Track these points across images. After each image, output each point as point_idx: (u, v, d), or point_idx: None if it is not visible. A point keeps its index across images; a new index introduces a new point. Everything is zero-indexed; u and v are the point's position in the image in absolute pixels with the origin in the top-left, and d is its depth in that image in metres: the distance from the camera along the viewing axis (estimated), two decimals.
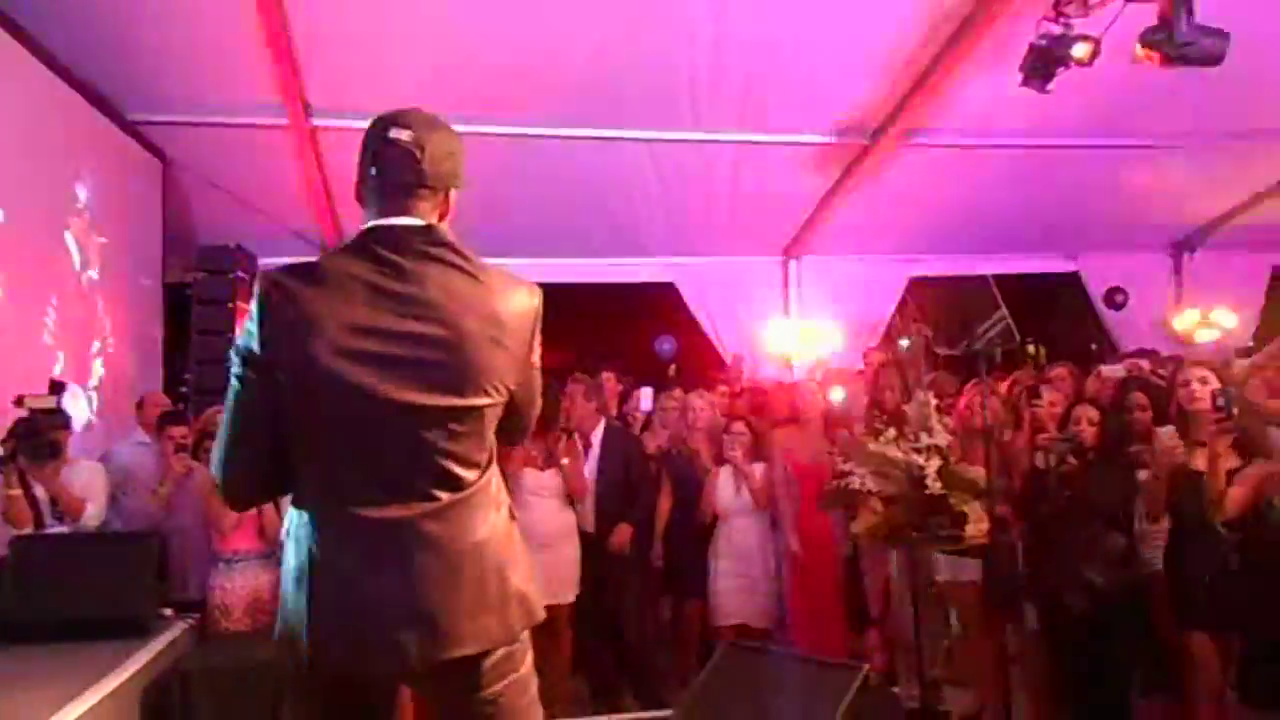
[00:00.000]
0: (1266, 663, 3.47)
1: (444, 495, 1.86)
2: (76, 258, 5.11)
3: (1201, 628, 3.77)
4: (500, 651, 1.92)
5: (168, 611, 3.65)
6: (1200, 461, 3.72)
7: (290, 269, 1.87)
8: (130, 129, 5.74)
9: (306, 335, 1.79)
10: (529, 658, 2.02)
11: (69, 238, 5.04)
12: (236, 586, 4.31)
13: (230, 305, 6.76)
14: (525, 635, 1.99)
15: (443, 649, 1.84)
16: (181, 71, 5.40)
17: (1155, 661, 4.08)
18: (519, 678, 1.98)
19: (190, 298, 6.75)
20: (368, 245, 1.89)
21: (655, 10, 5.23)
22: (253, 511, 4.34)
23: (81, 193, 5.15)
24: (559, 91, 5.82)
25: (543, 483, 4.93)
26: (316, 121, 5.78)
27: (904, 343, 8.00)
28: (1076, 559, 3.86)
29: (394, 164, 1.90)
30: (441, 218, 1.96)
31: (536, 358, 2.03)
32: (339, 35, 5.18)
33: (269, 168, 6.24)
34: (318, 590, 1.83)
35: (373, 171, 1.92)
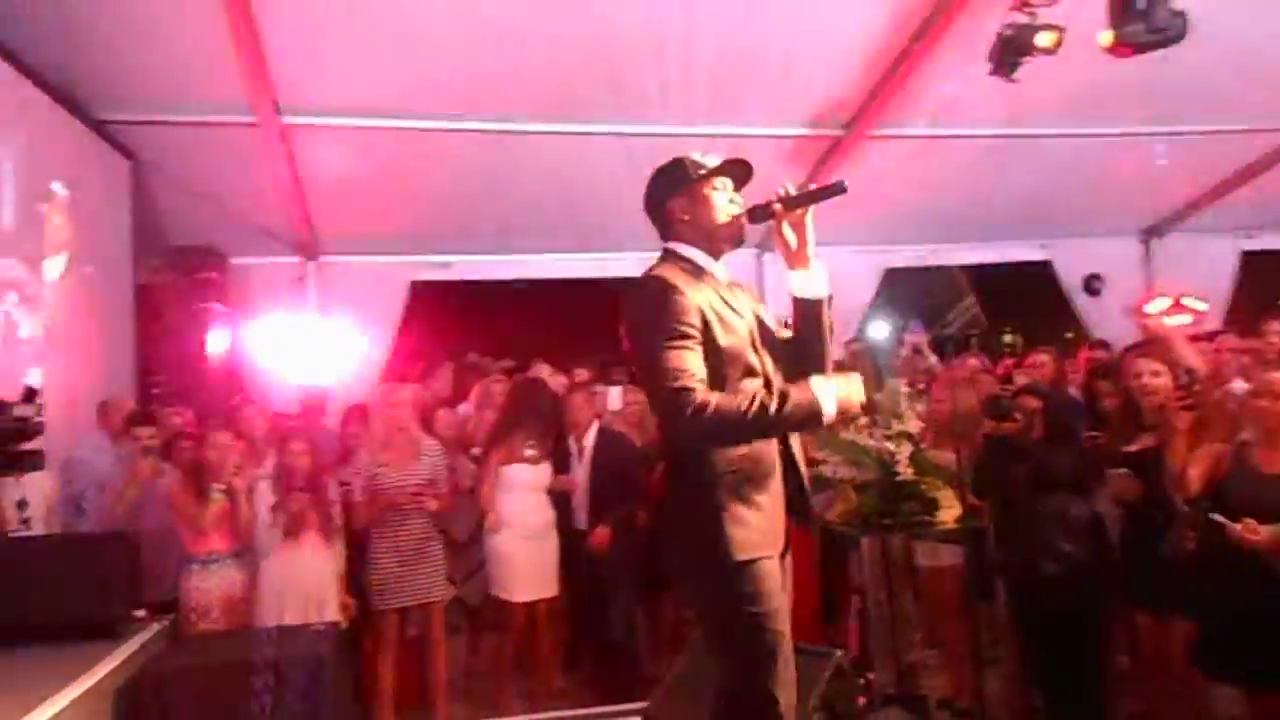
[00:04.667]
0: (1220, 641, 3.47)
1: None
2: (47, 258, 5.04)
3: (1152, 608, 3.90)
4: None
5: (140, 613, 3.61)
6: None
7: None
8: (98, 128, 5.68)
9: None
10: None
11: (39, 238, 4.97)
12: (211, 586, 4.30)
13: (202, 306, 6.72)
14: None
15: None
16: (150, 71, 5.35)
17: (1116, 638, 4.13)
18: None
19: (161, 298, 6.70)
20: None
21: (625, 4, 5.23)
22: (226, 510, 4.35)
23: (52, 191, 5.08)
24: (529, 88, 5.79)
25: (530, 478, 5.02)
26: (286, 120, 5.72)
27: (872, 332, 8.00)
28: (1048, 529, 3.87)
29: None
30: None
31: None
32: (308, 34, 5.14)
33: (239, 167, 6.16)
34: None
35: None
